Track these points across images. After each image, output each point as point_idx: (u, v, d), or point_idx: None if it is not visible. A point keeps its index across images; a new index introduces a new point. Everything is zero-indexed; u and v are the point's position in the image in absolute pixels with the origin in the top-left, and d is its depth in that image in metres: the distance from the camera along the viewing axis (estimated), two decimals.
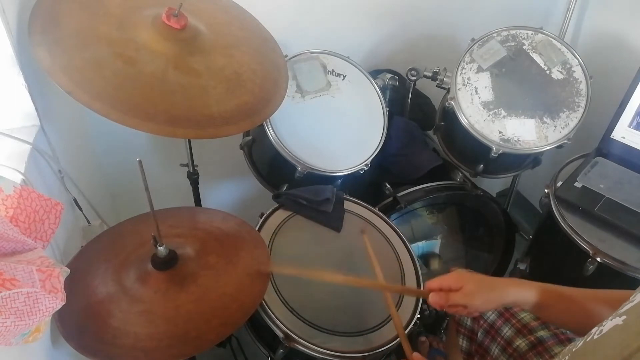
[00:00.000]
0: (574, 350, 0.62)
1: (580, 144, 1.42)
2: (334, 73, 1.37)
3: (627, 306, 0.58)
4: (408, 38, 1.70)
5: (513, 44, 1.42)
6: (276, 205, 1.22)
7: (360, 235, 1.18)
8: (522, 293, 0.84)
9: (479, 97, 1.38)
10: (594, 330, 0.60)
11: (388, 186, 1.46)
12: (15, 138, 0.89)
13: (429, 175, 1.48)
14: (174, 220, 1.00)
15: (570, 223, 1.24)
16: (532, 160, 1.54)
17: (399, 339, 1.01)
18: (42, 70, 0.82)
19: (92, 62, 0.86)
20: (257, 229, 1.12)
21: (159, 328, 0.79)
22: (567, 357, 0.63)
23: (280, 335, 0.96)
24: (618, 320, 0.56)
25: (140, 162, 0.75)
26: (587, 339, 0.60)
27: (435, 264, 1.47)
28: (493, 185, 2.15)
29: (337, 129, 1.35)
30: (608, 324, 0.58)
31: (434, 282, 0.88)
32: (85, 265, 0.89)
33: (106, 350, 0.75)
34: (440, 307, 0.87)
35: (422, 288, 1.13)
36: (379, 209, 1.33)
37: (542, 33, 1.43)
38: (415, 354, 0.81)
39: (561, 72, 1.41)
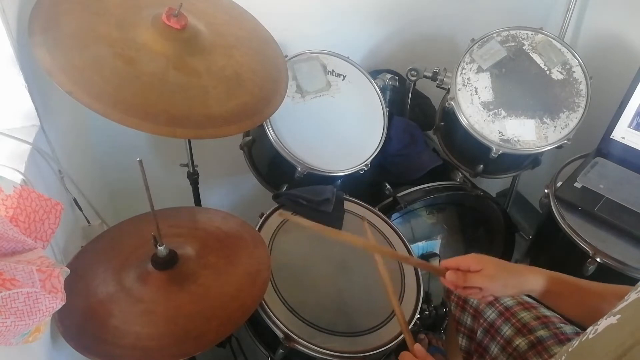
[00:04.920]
0: (570, 350, 0.63)
1: (580, 144, 1.42)
2: (334, 73, 1.37)
3: (622, 305, 0.58)
4: (408, 38, 1.70)
5: (513, 44, 1.42)
6: (276, 205, 1.22)
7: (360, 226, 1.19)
8: (539, 281, 0.84)
9: (479, 98, 1.39)
10: (589, 330, 0.60)
11: (388, 186, 1.46)
12: (15, 138, 0.89)
13: (429, 175, 1.48)
14: (174, 220, 1.00)
15: (570, 223, 1.24)
16: (532, 160, 1.54)
17: (398, 339, 1.01)
18: (42, 70, 0.82)
19: (92, 62, 0.86)
20: (257, 229, 1.12)
21: (159, 328, 0.79)
22: (563, 357, 0.63)
23: (280, 335, 0.96)
24: (612, 320, 0.57)
25: (140, 161, 0.75)
26: (583, 339, 0.61)
27: (435, 264, 1.47)
28: (493, 185, 2.15)
29: (337, 129, 1.35)
30: (603, 323, 0.58)
31: (452, 261, 0.86)
32: (85, 265, 0.89)
33: (106, 350, 0.75)
34: (455, 286, 0.86)
35: (421, 287, 1.13)
36: (379, 209, 1.33)
37: (542, 33, 1.43)
38: (417, 345, 0.80)
39: (561, 73, 1.41)
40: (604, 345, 0.56)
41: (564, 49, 1.42)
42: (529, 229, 1.99)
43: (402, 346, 0.98)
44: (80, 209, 1.11)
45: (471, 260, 0.85)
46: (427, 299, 1.25)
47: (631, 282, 1.15)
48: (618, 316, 0.56)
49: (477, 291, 0.84)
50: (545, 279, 0.84)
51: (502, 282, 0.83)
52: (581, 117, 1.37)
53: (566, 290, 0.83)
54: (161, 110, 0.87)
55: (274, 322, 0.97)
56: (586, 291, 0.83)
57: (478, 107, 1.38)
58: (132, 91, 0.87)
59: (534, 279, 0.84)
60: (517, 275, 0.84)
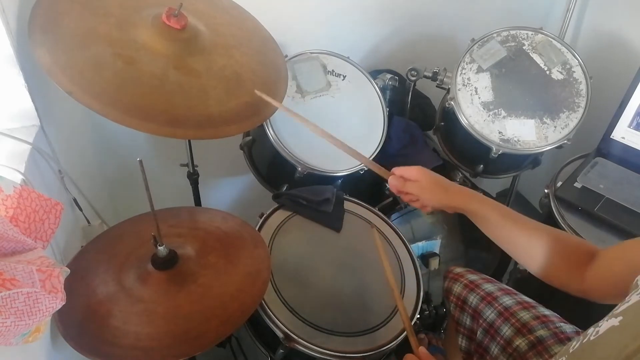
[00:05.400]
0: (570, 351, 0.62)
1: (580, 144, 1.42)
2: (334, 73, 1.37)
3: (623, 306, 0.57)
4: (408, 38, 1.70)
5: (513, 44, 1.42)
6: (276, 205, 1.22)
7: (365, 232, 1.18)
8: (470, 204, 0.92)
9: (479, 98, 1.39)
10: (590, 331, 0.60)
11: (388, 186, 1.46)
12: (15, 138, 0.89)
13: None
14: (174, 220, 1.00)
15: (570, 223, 1.24)
16: (532, 160, 1.54)
17: (398, 339, 1.01)
18: (42, 70, 0.82)
19: (92, 62, 0.86)
20: (257, 229, 1.12)
21: (159, 328, 0.79)
22: (564, 358, 0.63)
23: (280, 335, 0.96)
24: (614, 321, 0.56)
25: (141, 161, 0.75)
26: (584, 340, 0.60)
27: (435, 264, 1.47)
28: (493, 185, 2.14)
29: (337, 129, 1.34)
30: (604, 325, 0.57)
31: (399, 170, 0.98)
32: (85, 265, 0.89)
33: (106, 350, 0.75)
34: (396, 190, 0.98)
35: (421, 287, 1.13)
36: (379, 209, 1.33)
37: (542, 33, 1.43)
38: (421, 349, 0.81)
39: (561, 73, 1.41)
40: (606, 347, 0.55)
41: (564, 49, 1.42)
42: None
43: (402, 346, 0.98)
44: (80, 209, 1.11)
45: (414, 171, 0.96)
46: (427, 299, 1.24)
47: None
48: (620, 318, 0.56)
49: (414, 199, 0.96)
50: (476, 203, 0.91)
51: (433, 195, 0.94)
52: (581, 117, 1.37)
53: (490, 215, 0.90)
54: (161, 110, 0.88)
55: (274, 322, 0.97)
56: (514, 219, 0.91)
57: (478, 107, 1.38)
58: (132, 91, 0.87)
59: (463, 201, 0.93)
60: (449, 193, 0.94)
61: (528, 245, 0.88)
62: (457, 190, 0.95)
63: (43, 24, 0.86)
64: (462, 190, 0.96)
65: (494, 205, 0.92)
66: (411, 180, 0.95)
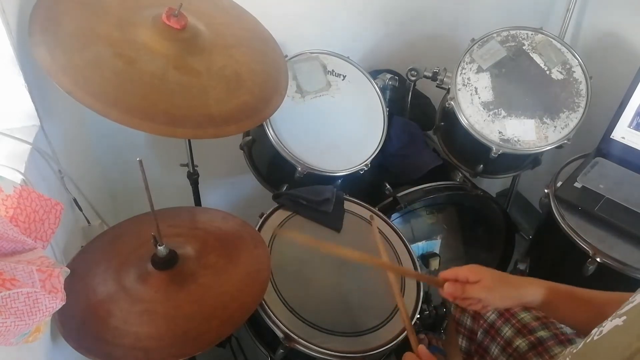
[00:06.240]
0: (574, 351, 0.62)
1: (580, 144, 1.42)
2: (334, 73, 1.37)
3: (627, 307, 0.57)
4: (408, 38, 1.70)
5: (513, 44, 1.42)
6: (276, 205, 1.22)
7: (365, 232, 1.19)
8: (537, 293, 0.83)
9: (479, 98, 1.39)
10: (594, 331, 0.60)
11: (388, 186, 1.46)
12: (15, 138, 0.89)
13: (429, 175, 1.48)
14: (174, 220, 1.00)
15: (570, 223, 1.24)
16: (532, 160, 1.54)
17: (398, 339, 1.01)
18: (42, 70, 0.82)
19: (92, 62, 0.86)
20: (257, 229, 1.12)
21: (159, 328, 0.79)
22: (567, 359, 0.63)
23: (280, 335, 0.96)
24: (618, 321, 0.56)
25: (140, 161, 0.75)
26: (587, 340, 0.60)
27: (435, 264, 1.47)
28: (493, 185, 2.15)
29: (337, 129, 1.35)
30: (608, 325, 0.58)
31: (450, 272, 0.86)
32: (85, 265, 0.89)
33: (106, 350, 0.75)
34: (454, 298, 0.85)
35: (421, 287, 1.13)
36: (379, 209, 1.33)
37: (542, 33, 1.43)
38: (421, 347, 0.80)
39: (561, 73, 1.41)
40: (610, 347, 0.56)
41: (564, 49, 1.42)
42: (529, 229, 1.99)
43: (402, 346, 0.98)
44: (80, 209, 1.11)
45: (469, 271, 0.84)
46: (427, 299, 1.24)
47: (630, 281, 1.15)
48: (624, 318, 0.56)
49: (476, 302, 0.84)
50: (543, 291, 0.83)
51: (500, 294, 0.83)
52: (581, 117, 1.37)
53: (563, 300, 0.82)
54: (161, 110, 0.87)
55: (274, 322, 0.97)
56: (585, 300, 0.82)
57: (478, 107, 1.38)
58: (132, 91, 0.87)
59: (532, 291, 0.83)
60: (516, 287, 0.84)
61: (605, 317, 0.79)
62: (526, 282, 0.85)
63: (43, 23, 0.86)
64: (530, 281, 0.85)
65: (554, 287, 0.83)
66: (470, 281, 0.84)
